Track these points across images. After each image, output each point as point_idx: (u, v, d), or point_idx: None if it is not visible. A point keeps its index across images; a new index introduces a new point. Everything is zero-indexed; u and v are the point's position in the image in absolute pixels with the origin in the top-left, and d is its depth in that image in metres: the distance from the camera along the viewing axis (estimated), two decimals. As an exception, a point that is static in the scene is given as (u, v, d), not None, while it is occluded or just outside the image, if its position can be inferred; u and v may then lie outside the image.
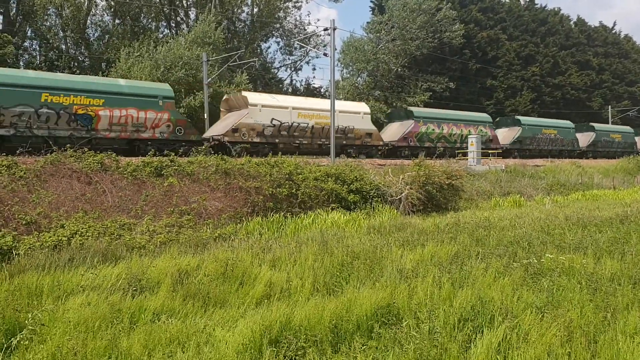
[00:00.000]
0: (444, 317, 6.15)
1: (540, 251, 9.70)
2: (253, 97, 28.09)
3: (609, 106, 62.84)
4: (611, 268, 8.42)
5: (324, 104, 30.18)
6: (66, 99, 21.04)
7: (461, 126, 37.31)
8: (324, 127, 28.96)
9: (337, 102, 29.01)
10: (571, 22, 71.47)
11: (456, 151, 33.94)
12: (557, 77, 62.88)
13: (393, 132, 34.98)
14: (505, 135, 41.37)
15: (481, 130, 38.03)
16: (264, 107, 27.33)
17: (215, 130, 27.29)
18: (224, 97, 29.94)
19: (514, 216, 15.46)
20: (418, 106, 43.81)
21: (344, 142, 30.29)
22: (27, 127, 20.22)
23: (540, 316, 6.30)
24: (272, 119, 27.49)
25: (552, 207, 18.76)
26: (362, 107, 32.87)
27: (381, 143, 32.33)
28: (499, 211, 17.98)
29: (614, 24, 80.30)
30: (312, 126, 28.93)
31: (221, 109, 29.96)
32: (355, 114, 31.21)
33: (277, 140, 27.63)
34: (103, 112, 21.91)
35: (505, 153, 39.30)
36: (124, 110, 22.50)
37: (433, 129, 35.55)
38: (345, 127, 30.26)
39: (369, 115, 32.50)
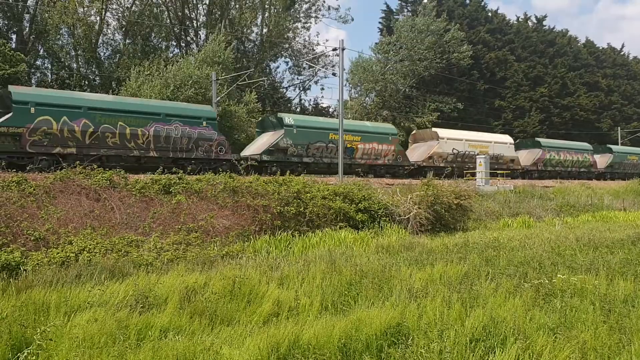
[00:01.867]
0: (455, 337, 6.05)
1: (551, 272, 9.59)
2: (442, 132, 36.27)
3: (619, 127, 62.64)
4: (624, 289, 8.30)
5: (485, 136, 39.70)
6: None
7: (572, 153, 44.56)
8: (486, 154, 35.82)
9: (492, 135, 41.07)
10: (579, 44, 71.60)
11: (464, 171, 34.01)
12: (566, 98, 62.84)
13: (523, 158, 41.67)
14: (599, 160, 47.91)
15: (585, 157, 45.81)
16: (448, 140, 35.57)
17: (415, 157, 34.90)
18: (413, 132, 39.31)
19: (524, 237, 15.35)
20: (426, 126, 44.38)
21: (496, 166, 36.66)
22: (319, 157, 28.73)
23: (553, 337, 6.20)
24: (453, 148, 35.65)
25: (562, 228, 18.61)
26: (508, 138, 41.10)
27: (520, 167, 40.02)
28: (508, 232, 17.86)
29: (622, 46, 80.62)
30: (477, 153, 35.43)
31: (409, 141, 38.05)
32: (504, 144, 39.40)
33: (454, 165, 35.18)
34: (360, 146, 30.41)
35: (600, 175, 46.89)
36: (370, 144, 30.98)
37: (554, 156, 42.99)
38: (498, 155, 37.95)
39: (513, 145, 40.30)
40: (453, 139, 35.77)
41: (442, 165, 34.49)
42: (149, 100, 27.74)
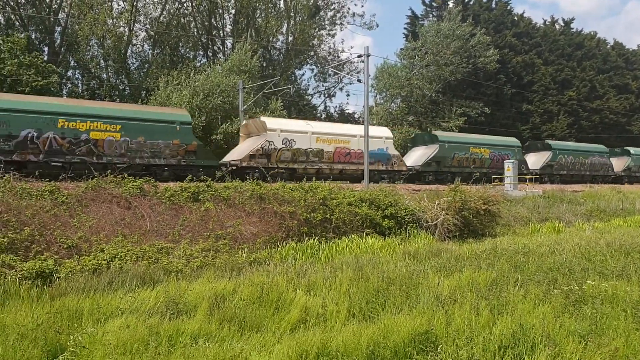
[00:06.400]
0: (484, 344, 6.03)
1: (581, 278, 9.46)
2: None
3: (650, 130, 61.39)
4: (657, 296, 8.15)
5: None
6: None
7: None
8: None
9: None
10: (608, 46, 70.37)
11: (492, 176, 33.69)
12: (595, 101, 61.76)
13: None
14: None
15: None
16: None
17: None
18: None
19: (553, 242, 15.15)
20: (453, 131, 44.13)
21: None
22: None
23: (583, 344, 6.13)
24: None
25: (593, 234, 18.30)
26: None
27: None
28: (537, 237, 17.64)
29: (653, 47, 78.65)
30: None
31: None
32: None
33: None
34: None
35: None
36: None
37: None
38: None
39: None
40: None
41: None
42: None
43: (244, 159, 25.60)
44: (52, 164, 20.48)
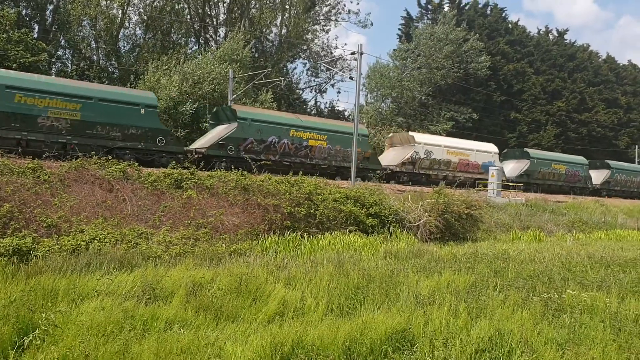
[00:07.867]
0: (461, 346, 6.01)
1: (561, 287, 9.50)
2: None
3: (637, 145, 62.03)
4: (636, 309, 8.17)
5: None
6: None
7: None
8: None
9: None
10: (600, 60, 71.04)
11: (476, 181, 34.21)
12: (583, 113, 62.33)
13: None
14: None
15: None
16: None
17: None
18: None
19: (534, 250, 15.23)
20: (440, 134, 44.45)
21: None
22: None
23: (560, 352, 6.13)
24: None
25: (574, 244, 18.43)
26: None
27: None
28: (518, 244, 17.72)
29: (643, 64, 79.62)
30: None
31: None
32: None
33: None
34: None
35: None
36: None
37: None
38: None
39: None
40: None
41: None
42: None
43: (398, 165, 32.52)
44: (284, 163, 26.52)
